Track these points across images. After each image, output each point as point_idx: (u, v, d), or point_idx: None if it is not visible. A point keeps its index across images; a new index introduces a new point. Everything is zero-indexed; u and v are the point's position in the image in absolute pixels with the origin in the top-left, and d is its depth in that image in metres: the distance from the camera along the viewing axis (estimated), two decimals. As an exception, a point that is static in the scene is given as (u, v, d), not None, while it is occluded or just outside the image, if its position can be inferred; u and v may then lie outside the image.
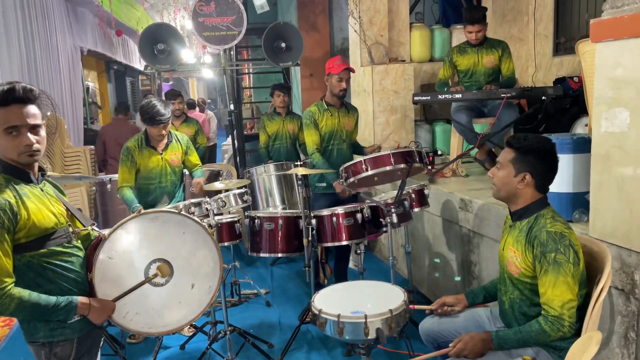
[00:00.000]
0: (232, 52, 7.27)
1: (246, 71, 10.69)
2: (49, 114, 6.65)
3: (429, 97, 4.21)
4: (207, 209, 2.97)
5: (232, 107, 6.32)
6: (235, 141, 6.54)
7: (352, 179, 3.07)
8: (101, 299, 1.91)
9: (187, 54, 13.16)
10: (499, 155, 2.19)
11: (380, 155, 3.01)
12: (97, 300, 1.89)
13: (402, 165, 2.99)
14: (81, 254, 1.95)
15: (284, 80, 7.91)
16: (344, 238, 3.29)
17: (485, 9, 4.50)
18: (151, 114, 3.40)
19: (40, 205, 1.83)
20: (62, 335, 1.86)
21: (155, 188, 3.61)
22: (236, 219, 3.38)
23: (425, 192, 3.69)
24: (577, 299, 1.96)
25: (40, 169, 1.95)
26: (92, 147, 7.76)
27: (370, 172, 2.99)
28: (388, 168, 2.99)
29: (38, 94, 1.88)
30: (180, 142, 3.68)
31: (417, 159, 3.03)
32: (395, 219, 3.12)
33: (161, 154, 3.58)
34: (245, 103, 10.17)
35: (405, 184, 3.13)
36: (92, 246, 1.94)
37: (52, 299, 1.78)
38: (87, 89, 12.04)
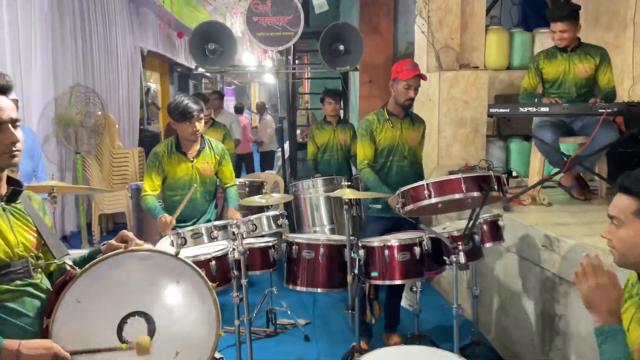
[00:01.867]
0: (289, 57, 6.90)
1: (304, 76, 10.30)
2: (99, 113, 6.48)
3: (507, 110, 3.55)
4: (234, 232, 2.49)
5: (283, 113, 5.91)
6: (286, 150, 6.08)
7: (410, 207, 2.49)
8: (40, 340, 1.43)
9: (248, 58, 13.01)
10: (611, 206, 1.53)
11: (447, 180, 2.41)
12: (34, 344, 1.40)
13: (476, 194, 2.37)
14: (42, 294, 1.51)
15: (342, 86, 7.41)
16: (397, 276, 2.72)
17: (576, 5, 3.81)
18: (182, 109, 3.02)
19: None
20: None
21: (182, 200, 3.17)
22: (270, 244, 2.88)
23: (500, 223, 3.05)
24: None
25: (14, 183, 1.54)
26: (142, 148, 7.59)
27: (433, 200, 2.40)
28: (457, 196, 2.39)
29: (10, 83, 1.49)
30: (214, 150, 3.24)
31: (495, 187, 2.41)
32: (462, 259, 2.51)
33: (192, 161, 3.16)
34: (300, 109, 9.75)
35: (478, 217, 2.52)
36: (59, 284, 1.48)
37: None
38: (148, 89, 12.06)
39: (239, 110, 10.58)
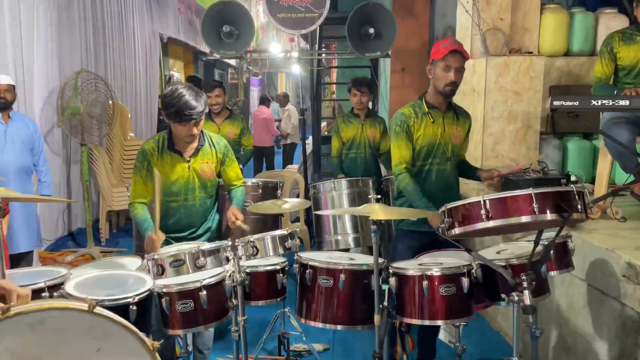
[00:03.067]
0: (316, 43, 6.34)
1: (332, 64, 9.69)
2: (110, 102, 6.01)
3: (576, 102, 2.87)
4: (227, 258, 1.93)
5: (306, 104, 5.35)
6: (306, 144, 5.51)
7: (459, 230, 1.88)
8: None
9: (275, 48, 12.43)
10: None
11: (513, 196, 1.78)
12: None
13: (550, 217, 1.75)
14: None
15: (372, 74, 6.79)
16: (439, 315, 2.13)
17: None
18: (177, 107, 2.44)
19: None
20: None
21: (178, 207, 2.63)
22: (278, 267, 2.32)
23: (570, 245, 2.42)
24: None
25: None
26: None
27: (491, 224, 1.79)
28: (525, 219, 1.76)
29: None
30: (215, 147, 2.68)
31: (579, 207, 1.78)
32: (528, 299, 1.89)
33: (188, 161, 2.61)
34: (324, 100, 9.13)
35: (553, 247, 1.90)
36: None
37: None
38: (170, 78, 11.63)
39: (264, 101, 10.00)
